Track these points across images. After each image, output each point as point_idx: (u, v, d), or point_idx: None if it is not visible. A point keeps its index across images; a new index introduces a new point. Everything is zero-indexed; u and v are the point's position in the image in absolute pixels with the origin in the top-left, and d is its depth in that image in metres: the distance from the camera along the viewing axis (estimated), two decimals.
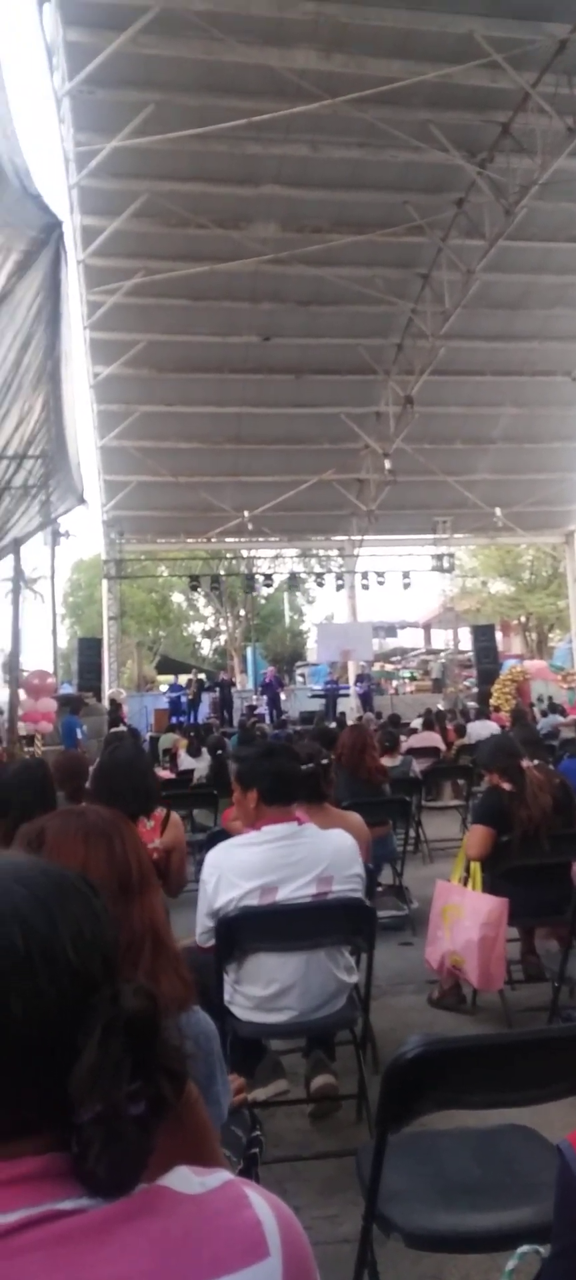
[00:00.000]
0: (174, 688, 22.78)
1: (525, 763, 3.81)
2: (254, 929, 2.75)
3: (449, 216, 15.84)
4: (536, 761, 3.81)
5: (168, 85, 12.62)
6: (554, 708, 16.94)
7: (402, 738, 9.71)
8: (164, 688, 24.39)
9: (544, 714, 16.10)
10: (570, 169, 13.52)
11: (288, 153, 14.11)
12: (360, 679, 23.46)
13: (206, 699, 22.89)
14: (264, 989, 2.78)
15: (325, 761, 3.88)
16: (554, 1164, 1.80)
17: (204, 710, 22.11)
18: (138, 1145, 0.69)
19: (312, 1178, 2.75)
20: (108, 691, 21.14)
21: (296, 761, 3.14)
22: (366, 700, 22.05)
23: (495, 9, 11.83)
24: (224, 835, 4.01)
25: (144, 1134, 0.70)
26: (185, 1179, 0.74)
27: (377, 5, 11.66)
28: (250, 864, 2.80)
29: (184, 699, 21.66)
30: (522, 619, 38.28)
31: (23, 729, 12.69)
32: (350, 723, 11.53)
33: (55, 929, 0.73)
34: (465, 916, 3.67)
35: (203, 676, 25.35)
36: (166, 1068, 0.72)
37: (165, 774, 9.65)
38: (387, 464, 20.56)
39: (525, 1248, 1.45)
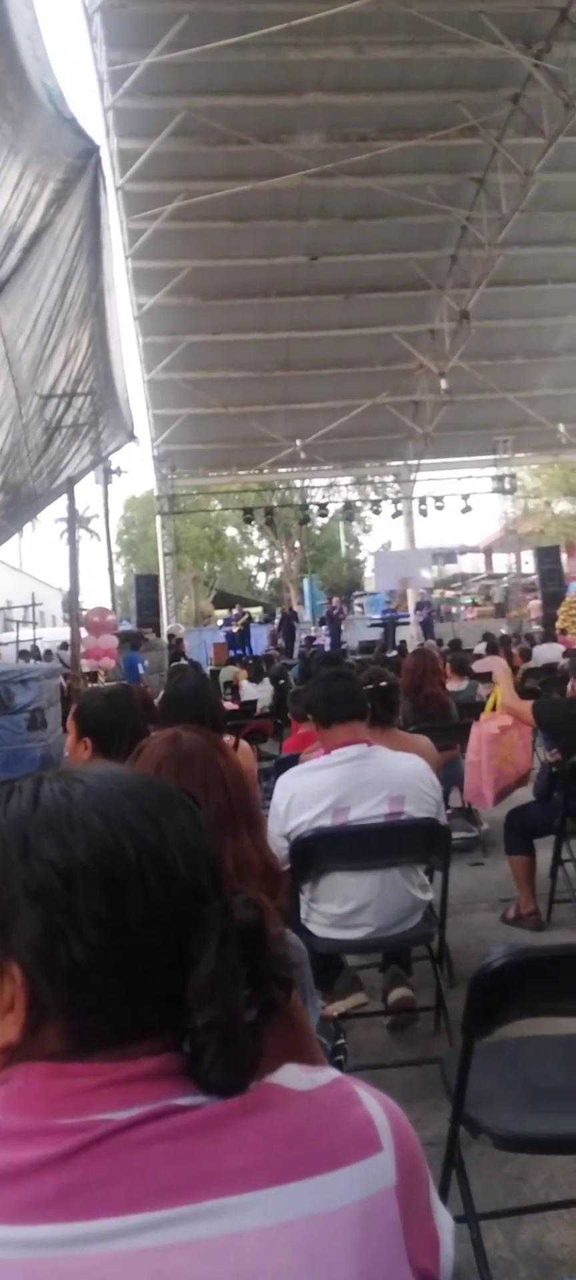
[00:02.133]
0: (227, 621, 22.97)
1: None
2: (328, 849, 2.78)
3: (504, 114, 15.06)
4: None
5: None
6: None
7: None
8: (220, 622, 24.63)
9: None
10: None
11: (330, 57, 13.55)
12: (420, 606, 23.24)
13: (263, 631, 22.99)
14: (340, 906, 2.82)
15: (386, 684, 3.86)
16: None
17: (261, 641, 22.24)
18: (251, 1048, 0.72)
19: (394, 1084, 2.79)
20: (166, 627, 21.43)
21: (356, 682, 3.13)
22: (427, 627, 21.86)
23: None
24: (291, 761, 4.05)
25: (256, 1037, 0.72)
26: (295, 1076, 0.75)
27: None
28: (322, 785, 2.82)
29: (233, 631, 21.83)
30: None
31: (85, 666, 12.99)
32: (411, 650, 11.46)
33: (164, 839, 0.74)
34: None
35: (249, 610, 25.46)
36: (276, 975, 0.75)
37: (228, 705, 9.77)
38: (444, 384, 20.06)
39: None
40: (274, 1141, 0.69)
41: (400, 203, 16.65)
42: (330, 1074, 0.77)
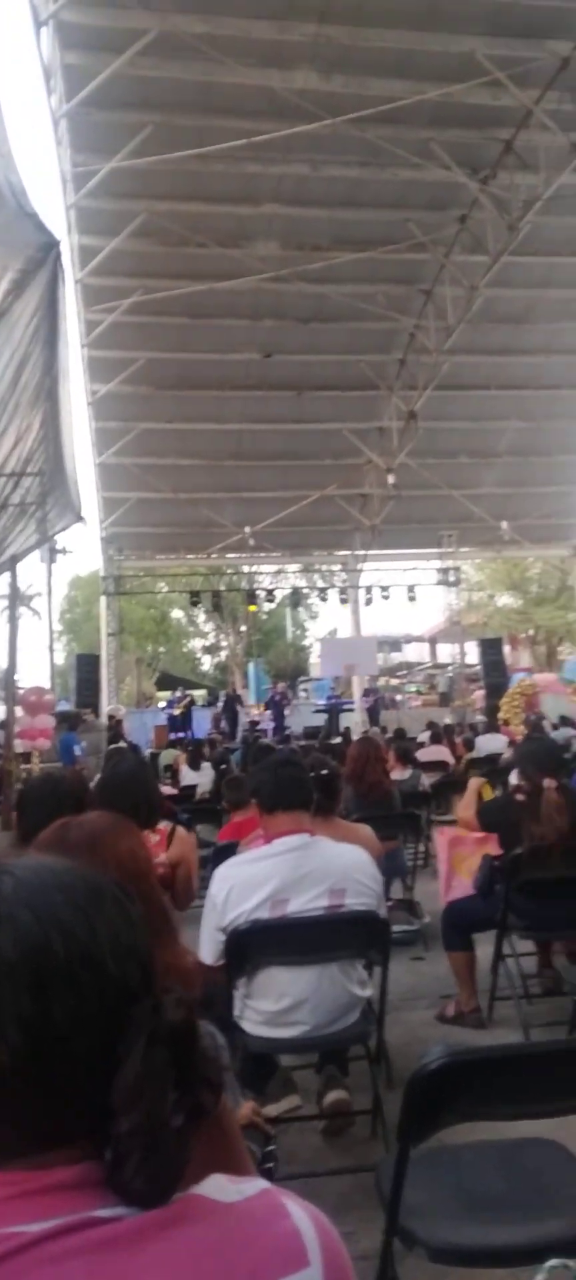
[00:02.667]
0: (170, 703, 22.72)
1: (546, 781, 3.75)
2: (264, 942, 2.71)
3: (451, 233, 15.90)
4: (555, 783, 3.74)
5: (166, 106, 12.70)
6: (565, 721, 16.86)
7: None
8: (162, 704, 24.37)
9: (555, 727, 16.03)
10: (574, 184, 13.56)
11: (287, 172, 14.18)
12: (368, 692, 23.43)
13: (205, 714, 22.82)
14: (275, 1003, 2.74)
15: (327, 773, 3.85)
16: None
17: (204, 724, 22.06)
18: (176, 1157, 0.69)
19: (327, 1194, 2.69)
20: (106, 708, 21.11)
21: (304, 771, 3.11)
22: (374, 714, 22.00)
23: (497, 28, 11.89)
24: (229, 850, 3.98)
25: (182, 1145, 0.69)
26: (221, 1187, 0.73)
27: (379, 26, 11.69)
28: (261, 876, 2.77)
29: (175, 714, 21.62)
30: (531, 632, 38.22)
31: (19, 746, 12.66)
32: (355, 737, 11.50)
33: (94, 935, 0.72)
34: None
35: (191, 693, 25.30)
36: (206, 1077, 0.72)
37: (167, 790, 9.60)
38: (391, 479, 20.58)
39: (554, 1261, 1.41)
40: (195, 1257, 0.66)
41: (351, 309, 17.31)
42: (258, 1185, 0.75)
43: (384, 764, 6.05)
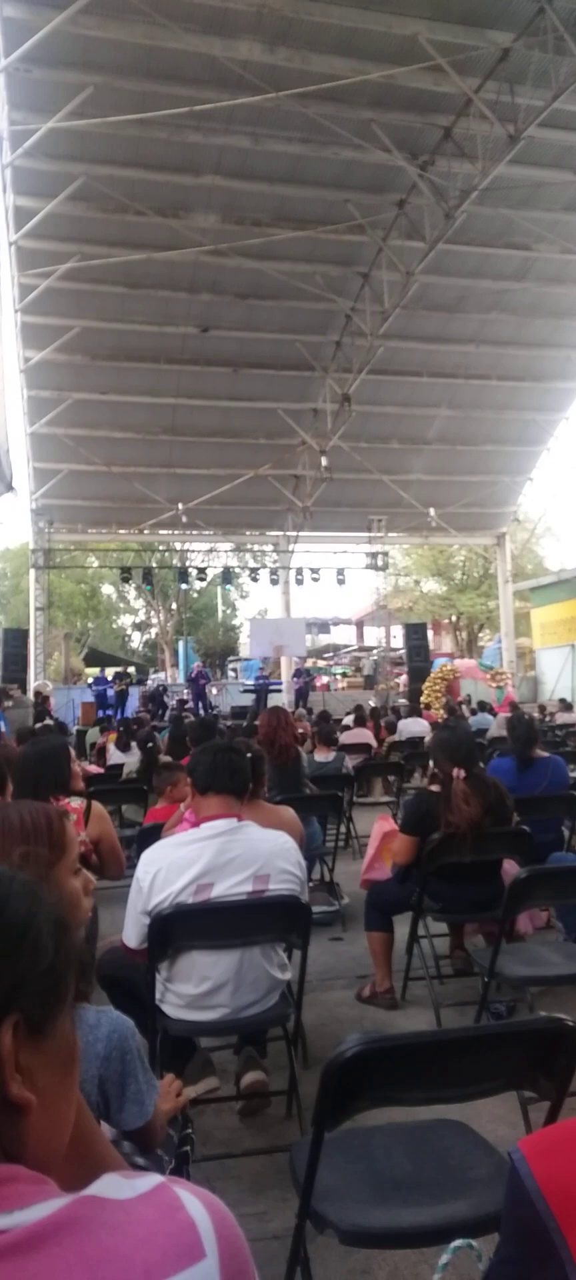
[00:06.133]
0: (99, 680, 22.20)
1: (455, 771, 3.84)
2: (187, 926, 2.71)
3: (389, 217, 15.99)
4: (463, 773, 3.84)
5: (107, 68, 12.37)
6: (482, 706, 17.32)
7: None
8: (90, 681, 23.97)
9: (473, 712, 16.45)
10: (510, 176, 13.81)
11: (229, 143, 14.00)
12: (298, 673, 23.54)
13: (135, 692, 22.53)
14: (196, 987, 2.74)
15: (253, 756, 3.88)
16: (486, 1159, 1.83)
17: (133, 704, 21.80)
18: None
19: (242, 1175, 2.73)
20: (33, 684, 20.67)
21: (244, 760, 3.12)
22: (302, 695, 22.13)
23: (440, 13, 11.96)
24: (155, 833, 3.96)
25: None
26: (115, 1185, 0.72)
27: (323, 1, 11.65)
28: (188, 859, 2.76)
29: (110, 692, 21.27)
30: (453, 618, 39.06)
31: None
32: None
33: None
34: None
35: (132, 671, 24.93)
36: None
37: (93, 769, 9.47)
38: (324, 461, 20.68)
39: (458, 1242, 1.46)
40: (88, 1260, 0.65)
41: (289, 287, 17.25)
42: (152, 1180, 0.74)
43: (292, 730, 6.13)
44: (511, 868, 3.89)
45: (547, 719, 16.94)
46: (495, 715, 15.19)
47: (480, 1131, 1.96)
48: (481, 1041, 1.76)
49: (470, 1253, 1.43)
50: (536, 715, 13.59)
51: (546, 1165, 0.82)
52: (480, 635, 39.04)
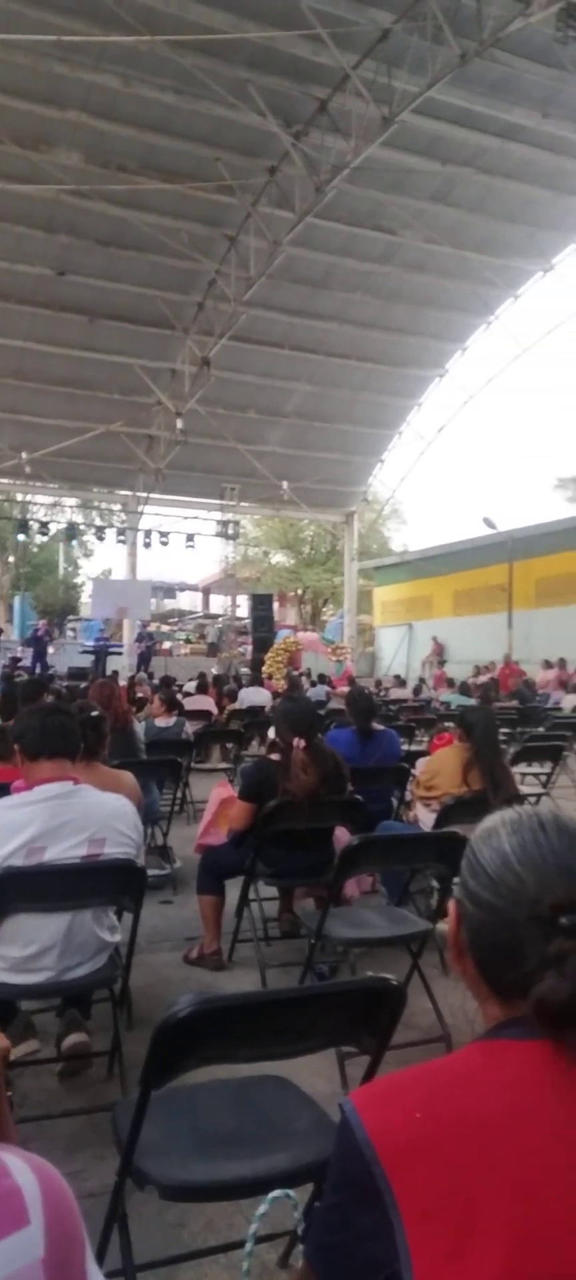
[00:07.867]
0: None
1: (296, 740, 3.94)
2: (17, 890, 2.62)
3: (260, 183, 15.88)
4: (304, 743, 3.94)
5: None
6: (322, 679, 17.82)
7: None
8: None
9: (313, 684, 16.89)
10: (381, 158, 14.03)
11: (97, 81, 13.35)
12: (141, 637, 23.16)
13: None
14: (21, 950, 2.67)
15: (96, 715, 3.82)
16: (306, 1112, 1.90)
17: None
18: None
19: (59, 1135, 2.69)
20: None
21: (74, 720, 3.04)
22: (144, 659, 21.80)
23: None
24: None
25: None
26: None
27: None
28: (18, 822, 2.67)
29: None
30: (299, 591, 39.80)
31: None
32: (123, 682, 11.31)
33: None
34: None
35: None
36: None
37: None
38: (180, 423, 20.40)
39: (276, 1192, 1.50)
40: None
41: (154, 241, 16.80)
42: None
43: (122, 701, 6.12)
44: (343, 835, 4.05)
45: (383, 693, 17.72)
46: (333, 688, 15.74)
47: (300, 1086, 2.03)
48: (313, 1000, 1.83)
49: (287, 1202, 1.47)
50: (372, 690, 14.15)
51: (375, 1115, 0.86)
52: (324, 610, 40.03)
